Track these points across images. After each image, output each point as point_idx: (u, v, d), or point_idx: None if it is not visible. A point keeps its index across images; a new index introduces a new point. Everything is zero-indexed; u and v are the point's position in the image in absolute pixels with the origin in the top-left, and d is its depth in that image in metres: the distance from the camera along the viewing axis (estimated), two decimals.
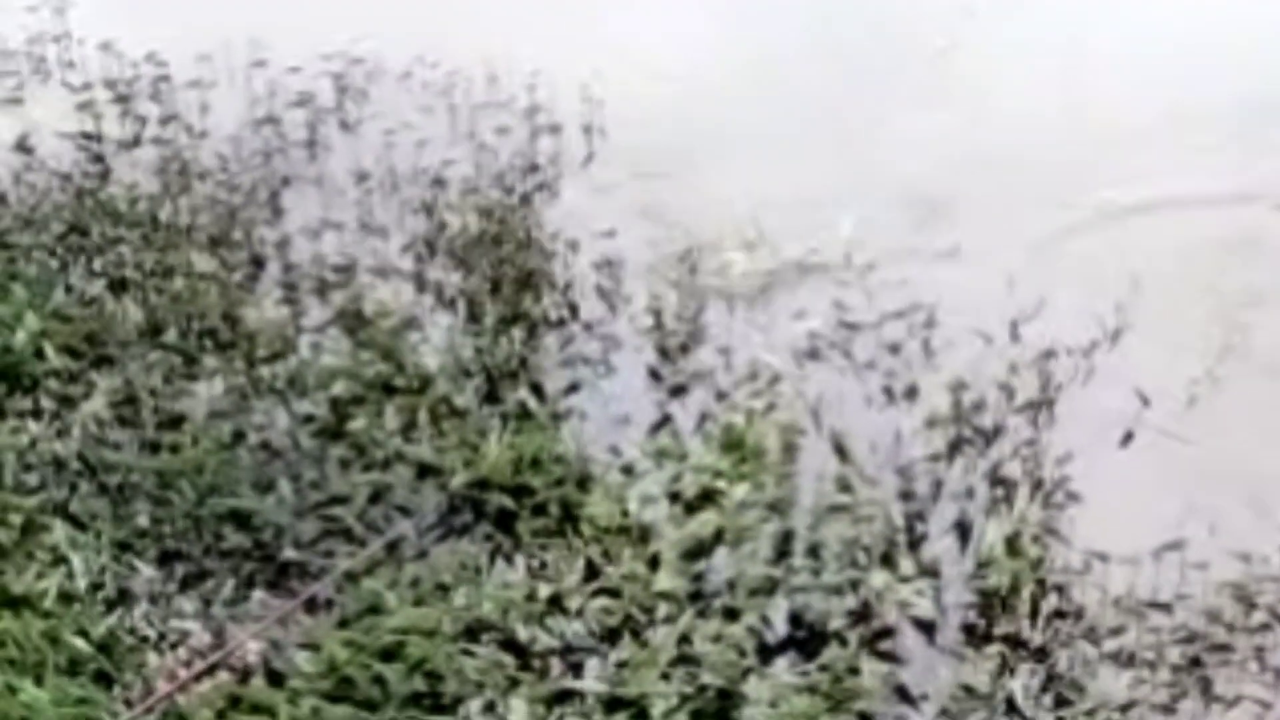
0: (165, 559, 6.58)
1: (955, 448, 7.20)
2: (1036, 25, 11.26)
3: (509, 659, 5.97)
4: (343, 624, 6.16)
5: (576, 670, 5.96)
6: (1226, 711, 5.85)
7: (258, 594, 6.41)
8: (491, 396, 7.52)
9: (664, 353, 7.97)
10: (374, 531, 6.67)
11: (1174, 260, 8.45)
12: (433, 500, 6.83)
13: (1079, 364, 7.68)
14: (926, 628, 6.28)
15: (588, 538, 6.55)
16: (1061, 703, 5.88)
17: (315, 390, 7.50)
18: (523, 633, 6.08)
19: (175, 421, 7.33)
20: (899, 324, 8.06)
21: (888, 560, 6.49)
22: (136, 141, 10.15)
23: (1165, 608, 6.24)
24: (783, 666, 6.05)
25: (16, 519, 6.66)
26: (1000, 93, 10.28)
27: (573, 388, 7.70)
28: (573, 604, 6.22)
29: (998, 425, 7.32)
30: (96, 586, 6.35)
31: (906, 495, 6.91)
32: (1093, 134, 9.79)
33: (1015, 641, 6.17)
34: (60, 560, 6.45)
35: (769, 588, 6.32)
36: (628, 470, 7.01)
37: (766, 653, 6.09)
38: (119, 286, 8.41)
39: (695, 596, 6.27)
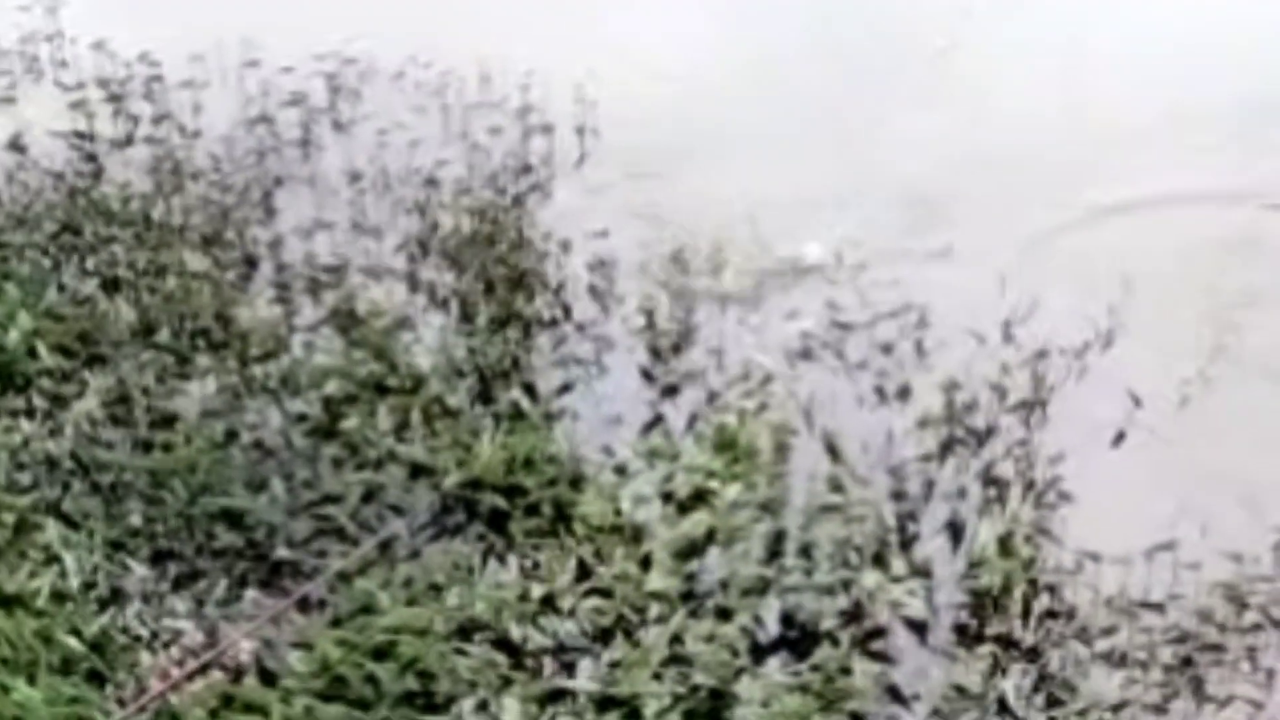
0: (158, 558, 6.58)
1: (947, 448, 7.21)
2: (1034, 25, 11.27)
3: (502, 658, 5.98)
4: (335, 623, 6.16)
5: (569, 670, 5.97)
6: (1218, 711, 5.86)
7: (250, 593, 6.41)
8: (484, 396, 7.52)
9: (656, 353, 7.98)
10: (367, 531, 6.67)
11: (1167, 260, 8.46)
12: (425, 500, 6.84)
13: (1071, 364, 7.69)
14: (918, 628, 6.29)
15: (580, 538, 6.56)
16: (1053, 703, 5.89)
17: (308, 390, 7.50)
18: (515, 632, 6.09)
19: (168, 421, 7.33)
20: (892, 324, 8.07)
21: (880, 560, 6.50)
22: (129, 141, 10.14)
23: (1157, 608, 6.25)
24: (775, 666, 6.06)
25: (9, 518, 6.66)
26: (996, 92, 10.29)
27: (565, 388, 7.70)
28: (565, 604, 6.22)
29: (990, 425, 7.34)
30: (89, 585, 6.35)
31: (898, 495, 6.92)
32: (1088, 134, 9.80)
33: (1007, 641, 6.18)
34: (53, 559, 6.45)
35: (761, 588, 6.33)
36: (620, 470, 7.01)
37: (759, 652, 6.10)
38: (112, 286, 8.40)
39: (687, 596, 6.28)
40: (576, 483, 6.89)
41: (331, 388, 7.48)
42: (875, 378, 7.76)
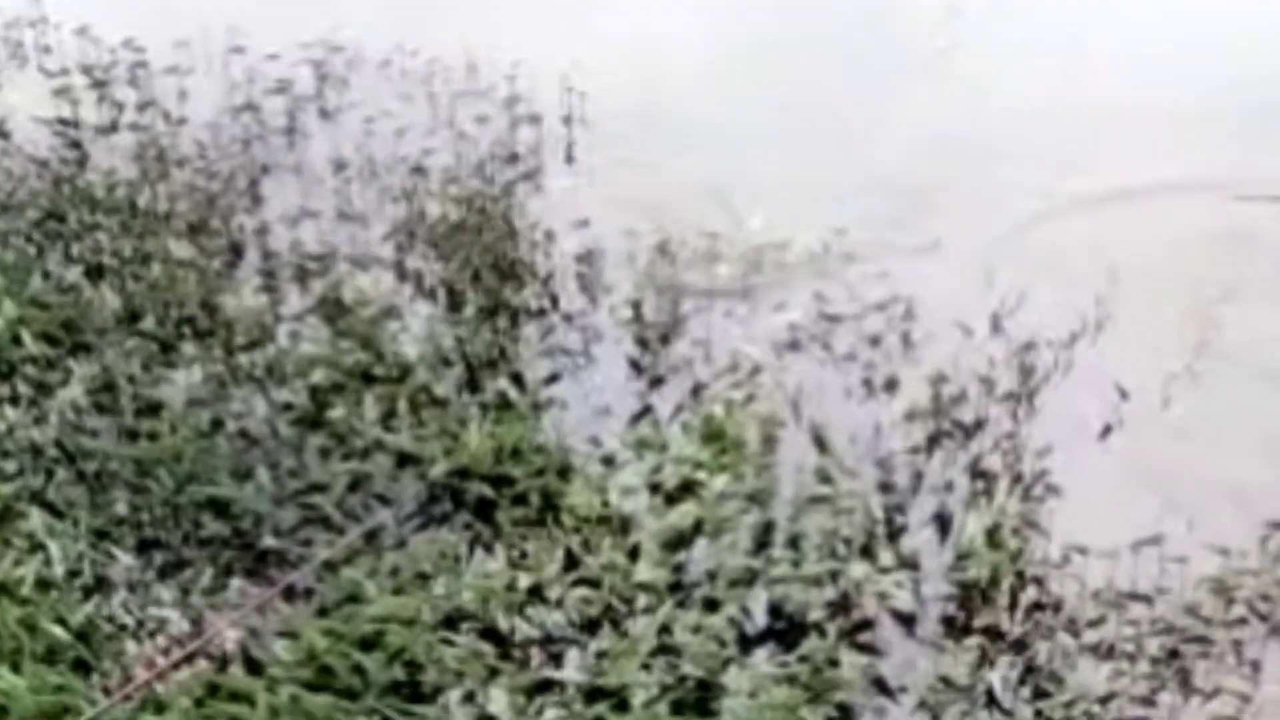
0: (143, 547, 6.54)
1: (935, 440, 7.21)
2: (1025, 19, 11.31)
3: (489, 648, 5.95)
4: (322, 612, 6.13)
5: (556, 660, 5.95)
6: (1205, 703, 5.86)
7: (236, 582, 6.37)
8: (472, 386, 7.51)
9: (644, 344, 7.97)
10: (353, 520, 6.65)
11: (1155, 253, 8.47)
12: (412, 489, 6.82)
13: (1059, 357, 7.71)
14: (906, 619, 6.28)
15: (568, 528, 6.54)
16: (1040, 694, 5.89)
17: (294, 378, 7.48)
18: (503, 622, 6.07)
19: (153, 409, 7.30)
20: (879, 316, 8.08)
21: (867, 552, 6.49)
22: (114, 127, 10.12)
23: (1144, 600, 6.25)
24: (762, 657, 6.04)
25: None
26: (987, 85, 10.31)
27: (553, 378, 7.69)
28: (553, 594, 6.20)
29: (978, 418, 7.34)
30: (74, 574, 6.32)
31: (886, 487, 6.91)
32: (1076, 126, 9.82)
33: (994, 633, 6.18)
34: (38, 547, 6.41)
35: (749, 579, 6.32)
36: (608, 461, 7.00)
37: (746, 643, 6.08)
38: (96, 273, 8.37)
39: (675, 587, 6.26)
40: (564, 473, 6.87)
41: (318, 376, 7.46)
42: (863, 370, 7.76)
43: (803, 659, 5.97)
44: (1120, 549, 6.41)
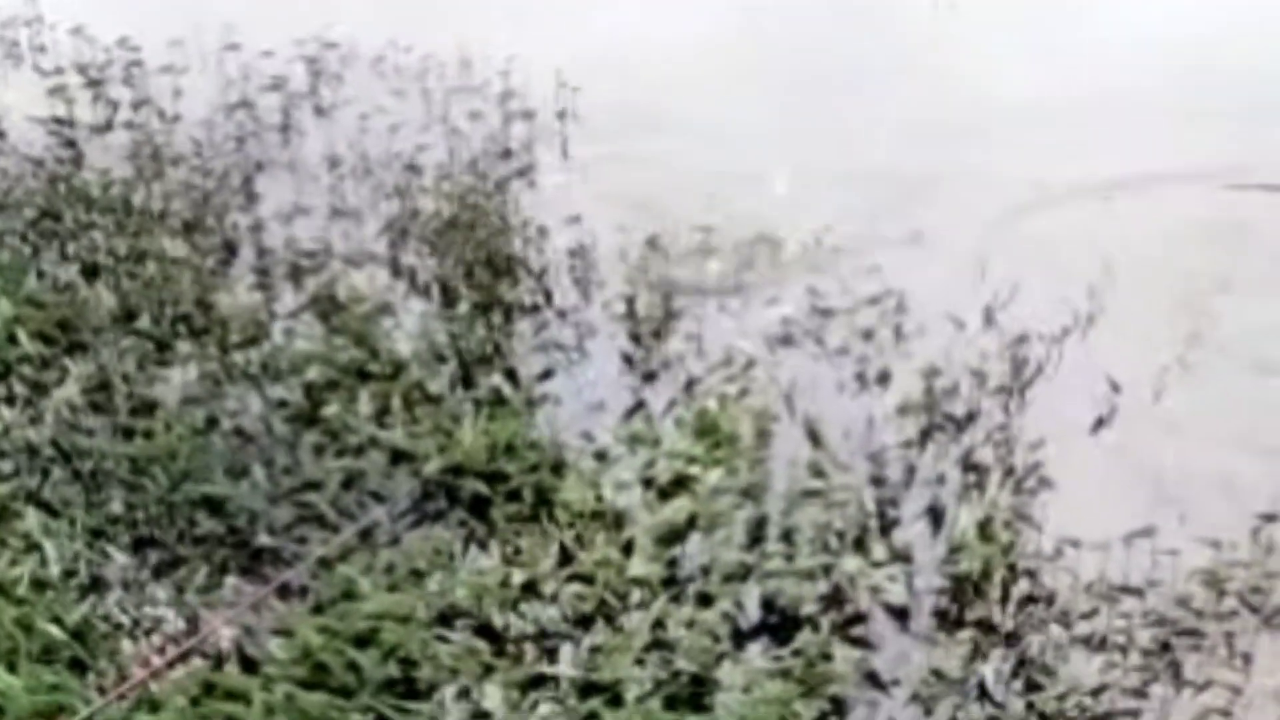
0: (139, 545, 6.56)
1: (927, 434, 7.22)
2: (1018, 12, 11.31)
3: (483, 645, 5.97)
4: (317, 610, 6.15)
5: (551, 655, 5.96)
6: (1197, 695, 5.88)
7: (231, 580, 6.39)
8: (465, 382, 7.52)
9: (637, 339, 7.98)
10: (348, 517, 6.66)
11: (1147, 245, 8.50)
12: (406, 486, 6.83)
13: (1051, 350, 7.72)
14: (898, 613, 6.29)
15: (562, 523, 6.55)
16: (1032, 687, 5.90)
17: (289, 376, 7.49)
18: (497, 618, 6.08)
19: (148, 407, 7.31)
20: (872, 310, 8.09)
21: (860, 546, 6.51)
22: (109, 126, 10.12)
23: (1136, 593, 6.26)
24: (756, 652, 6.05)
25: None
26: (978, 78, 10.32)
27: (547, 373, 7.70)
28: (547, 589, 6.22)
29: (970, 411, 7.35)
30: (70, 573, 6.34)
31: (879, 481, 6.93)
32: (1068, 120, 9.82)
33: (987, 626, 6.19)
34: (33, 547, 6.43)
35: (742, 573, 6.33)
36: (601, 456, 7.01)
37: (740, 638, 6.10)
38: (92, 272, 8.38)
39: (669, 582, 6.27)
40: (558, 468, 6.88)
41: (312, 374, 7.47)
42: (856, 363, 7.77)
43: (796, 653, 5.99)
44: (1112, 541, 6.43)
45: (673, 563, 6.37)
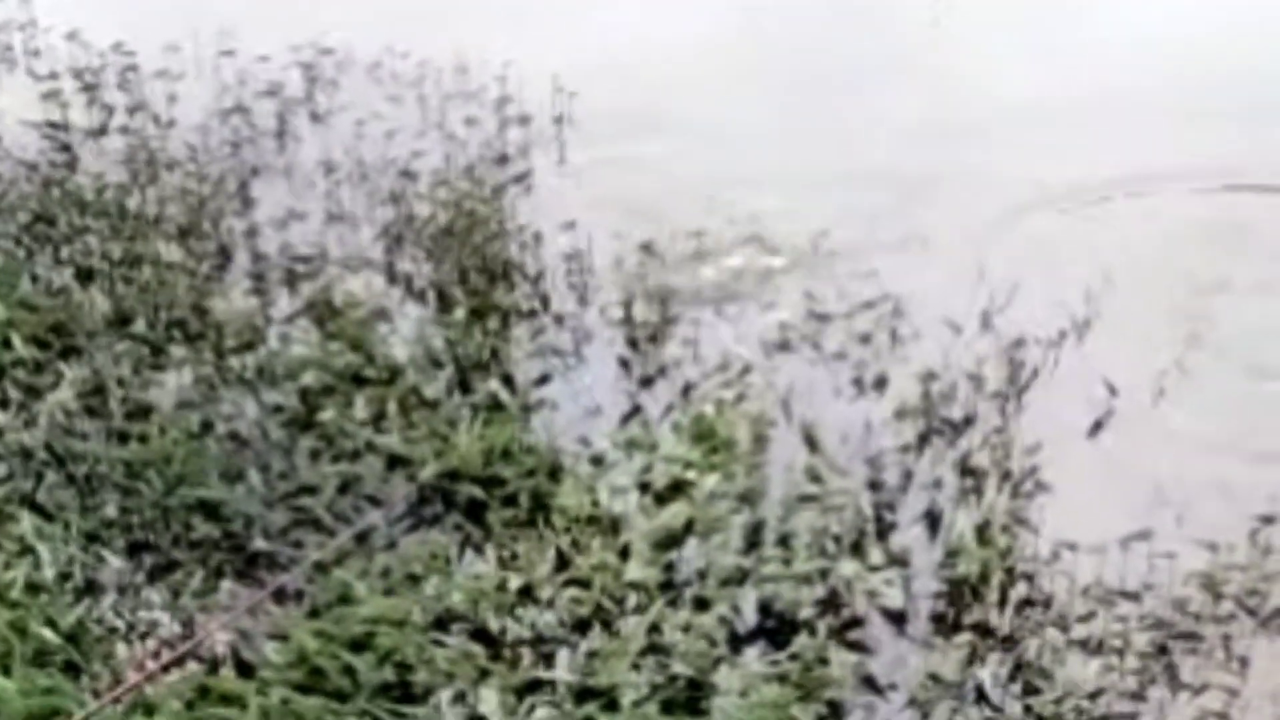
0: (133, 549, 6.55)
1: (925, 438, 7.21)
2: (1016, 13, 11.31)
3: (480, 649, 5.95)
4: (312, 614, 6.14)
5: (547, 660, 5.94)
6: (1194, 698, 5.87)
7: (227, 584, 6.37)
8: (462, 387, 7.51)
9: (634, 344, 7.98)
10: (343, 522, 6.65)
11: (1144, 248, 8.50)
12: (402, 491, 6.81)
13: (1048, 354, 7.71)
14: (896, 617, 6.28)
15: (558, 528, 6.54)
16: (1030, 691, 5.89)
17: (284, 381, 7.47)
18: (493, 623, 6.06)
19: (143, 412, 7.29)
20: (869, 314, 8.08)
21: (857, 550, 6.49)
22: (103, 131, 10.12)
23: (1134, 596, 6.26)
24: (753, 656, 6.04)
25: None
26: (975, 80, 10.32)
27: (543, 378, 7.69)
28: (543, 594, 6.20)
29: (967, 415, 7.34)
30: (64, 577, 6.32)
31: (876, 485, 6.92)
32: (1066, 121, 9.83)
33: (984, 630, 6.18)
34: (27, 550, 6.41)
35: (739, 577, 6.32)
36: (598, 461, 7.00)
37: (736, 642, 6.08)
38: (86, 276, 8.37)
39: (666, 586, 6.26)
40: (554, 473, 6.87)
41: (308, 379, 7.46)
42: (853, 368, 7.77)
43: (793, 657, 5.98)
44: (1109, 545, 6.41)
45: (669, 567, 6.36)
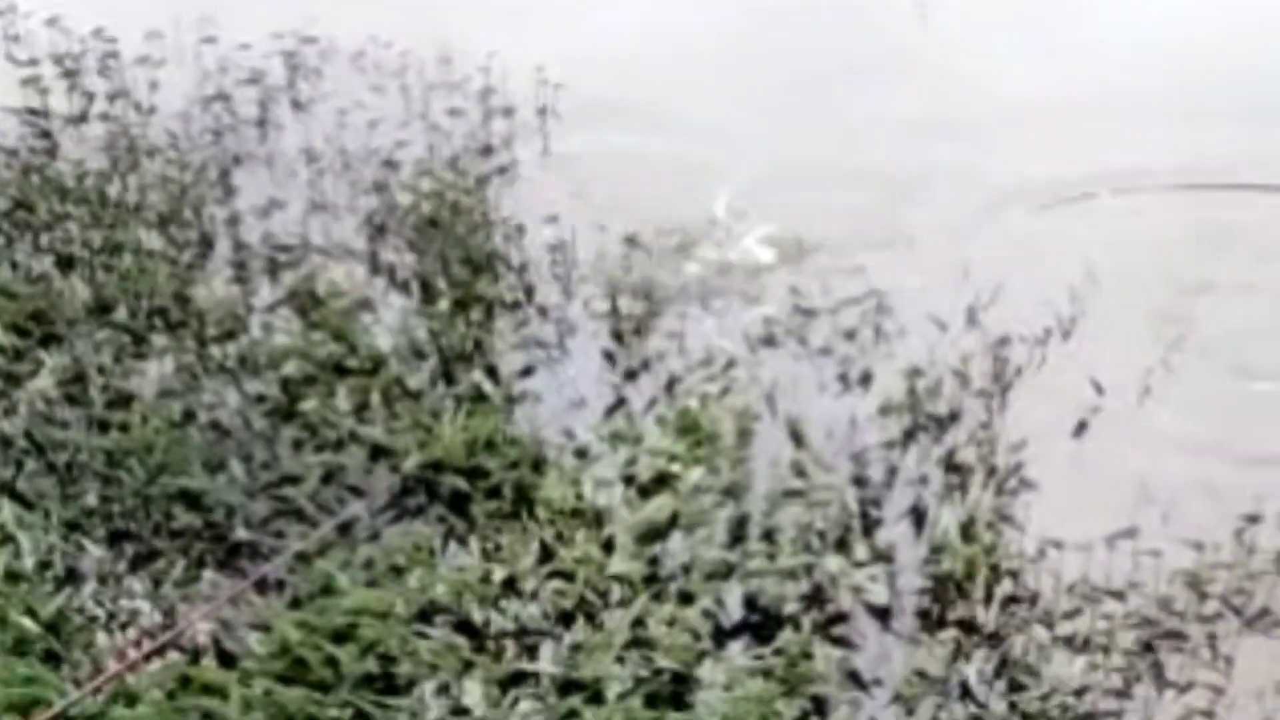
0: (114, 538, 6.51)
1: (910, 434, 7.20)
2: (1004, 13, 11.31)
3: (463, 641, 5.93)
4: (295, 605, 6.11)
5: (531, 653, 5.92)
6: (1179, 696, 5.88)
7: (208, 574, 6.34)
8: (446, 378, 7.47)
9: (618, 337, 7.95)
10: (326, 512, 6.61)
11: (1129, 247, 8.50)
12: (386, 482, 6.78)
13: (1034, 351, 7.71)
14: (880, 613, 6.28)
15: (542, 520, 6.52)
16: (1015, 687, 5.89)
17: (266, 370, 7.43)
18: (477, 615, 6.04)
19: (124, 400, 7.24)
20: (854, 310, 8.06)
21: (842, 545, 6.48)
22: (84, 118, 10.05)
23: (1119, 594, 6.25)
24: (737, 650, 6.03)
25: None
26: (963, 79, 10.30)
27: (527, 370, 7.66)
28: (527, 586, 6.18)
29: (952, 412, 7.33)
30: (44, 566, 6.28)
31: (861, 481, 6.91)
32: (1052, 121, 9.82)
33: (969, 627, 6.18)
34: (7, 539, 6.37)
35: (724, 572, 6.30)
36: (582, 453, 6.98)
37: (721, 636, 6.08)
38: (66, 264, 8.31)
39: (650, 580, 6.24)
40: (538, 465, 6.85)
41: (290, 368, 7.42)
42: (838, 364, 7.75)
43: (777, 652, 5.97)
44: (1095, 543, 6.41)
45: (654, 561, 6.34)
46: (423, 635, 5.94)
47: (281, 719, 5.60)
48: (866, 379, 7.64)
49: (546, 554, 6.36)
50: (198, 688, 5.72)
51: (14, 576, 6.18)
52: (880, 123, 9.77)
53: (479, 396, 7.32)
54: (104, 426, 7.05)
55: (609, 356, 7.83)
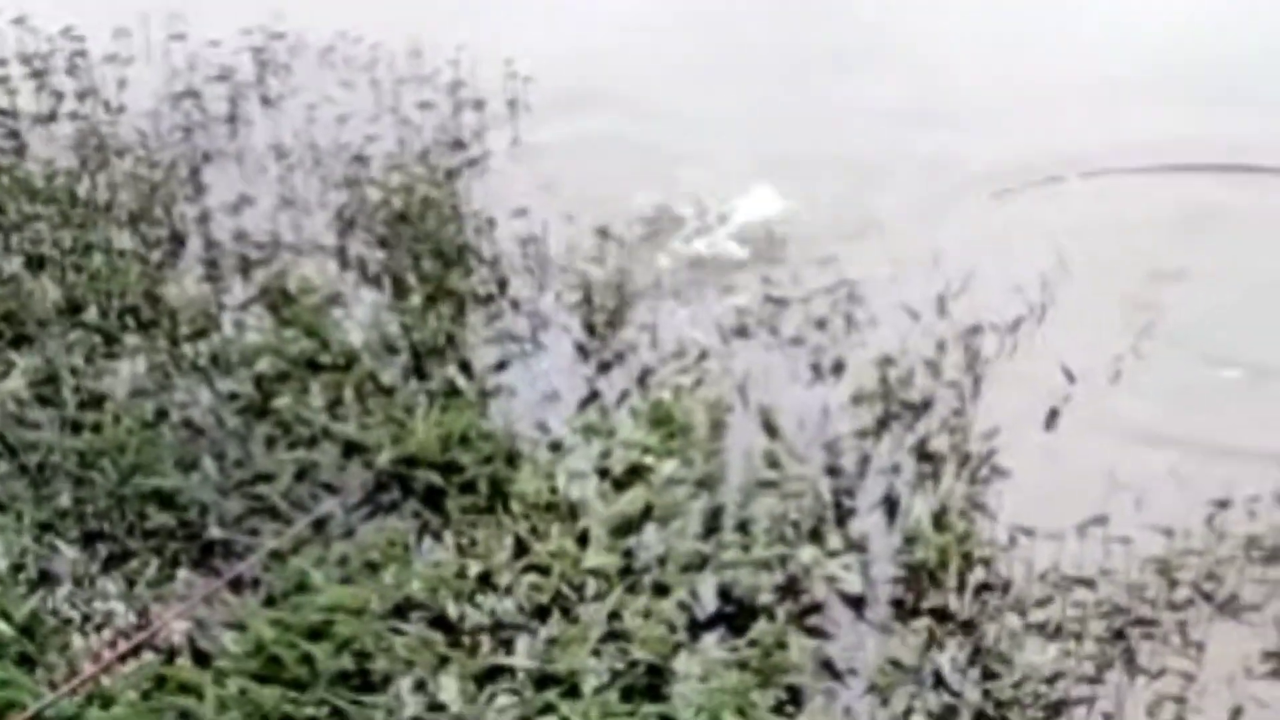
0: (88, 539, 6.49)
1: (882, 423, 7.22)
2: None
3: (439, 637, 5.93)
4: (269, 603, 6.10)
5: (507, 647, 5.92)
6: (1151, 683, 5.90)
7: (183, 574, 6.33)
8: (418, 373, 7.47)
9: (591, 329, 7.95)
10: (300, 510, 6.60)
11: (1100, 234, 8.53)
12: (359, 478, 6.78)
13: (1005, 339, 7.73)
14: (854, 602, 6.29)
15: (517, 515, 6.52)
16: (988, 675, 5.91)
17: (239, 368, 7.42)
18: (452, 610, 6.04)
19: (96, 400, 7.23)
20: (825, 299, 8.07)
21: (816, 535, 6.50)
22: (52, 117, 10.03)
23: (1090, 582, 6.27)
24: (712, 642, 6.04)
25: None
26: (934, 67, 10.33)
27: (501, 364, 7.66)
28: (502, 581, 6.18)
29: (925, 401, 7.35)
30: (17, 568, 6.26)
31: (834, 471, 6.92)
32: (1023, 108, 9.85)
33: (942, 615, 6.20)
34: None
35: (698, 563, 6.31)
36: (556, 447, 6.98)
37: (696, 628, 6.08)
38: (36, 264, 8.29)
39: (625, 572, 6.24)
40: (512, 460, 6.85)
41: (263, 365, 7.41)
42: (810, 354, 7.76)
43: (752, 643, 5.98)
44: (1066, 530, 6.43)
45: (628, 553, 6.35)
46: (398, 631, 5.93)
47: (257, 718, 5.59)
48: (839, 368, 7.66)
49: (521, 548, 6.36)
50: (173, 688, 5.71)
51: None
52: (854, 112, 9.79)
53: (452, 391, 7.32)
54: (76, 427, 7.03)
55: (582, 349, 7.83)
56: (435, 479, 6.73)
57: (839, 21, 11.08)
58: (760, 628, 6.05)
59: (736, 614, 6.17)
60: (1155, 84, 9.97)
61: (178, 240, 8.70)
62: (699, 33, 10.90)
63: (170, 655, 5.93)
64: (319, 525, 6.53)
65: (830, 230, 8.60)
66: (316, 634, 5.87)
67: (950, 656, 5.99)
